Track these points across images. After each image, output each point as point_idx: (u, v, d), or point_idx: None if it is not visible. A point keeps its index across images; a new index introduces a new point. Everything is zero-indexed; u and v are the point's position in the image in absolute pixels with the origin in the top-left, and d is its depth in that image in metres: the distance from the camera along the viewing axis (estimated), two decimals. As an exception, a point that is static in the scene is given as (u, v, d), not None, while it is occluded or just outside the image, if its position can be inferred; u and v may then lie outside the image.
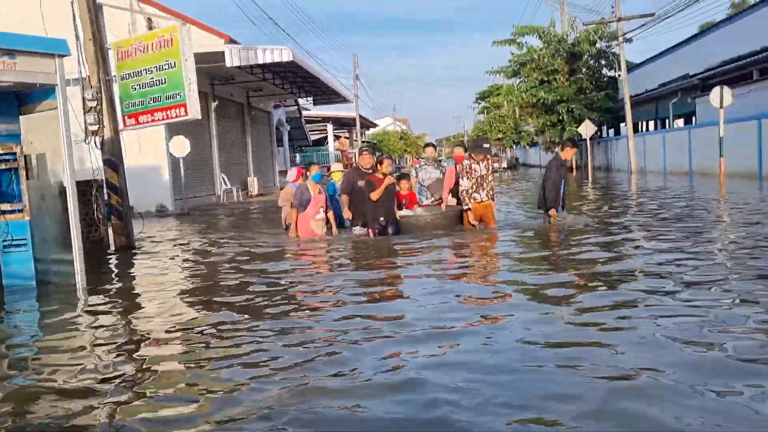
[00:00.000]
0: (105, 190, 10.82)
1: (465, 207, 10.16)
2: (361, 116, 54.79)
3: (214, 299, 6.41)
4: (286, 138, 40.81)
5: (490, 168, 10.49)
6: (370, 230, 9.86)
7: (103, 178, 10.78)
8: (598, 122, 34.79)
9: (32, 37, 6.95)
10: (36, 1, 10.54)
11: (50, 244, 7.60)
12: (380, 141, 74.11)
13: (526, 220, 12.35)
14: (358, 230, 10.21)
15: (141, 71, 10.64)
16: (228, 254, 9.76)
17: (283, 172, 36.20)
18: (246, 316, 5.52)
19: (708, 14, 66.47)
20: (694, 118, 29.51)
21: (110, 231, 10.98)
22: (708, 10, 73.93)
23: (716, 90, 19.30)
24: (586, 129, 30.94)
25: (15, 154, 7.35)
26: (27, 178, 7.43)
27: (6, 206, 7.39)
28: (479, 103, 63.46)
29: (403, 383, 3.62)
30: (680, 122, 33.32)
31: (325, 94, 31.60)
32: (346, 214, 10.43)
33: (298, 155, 48.92)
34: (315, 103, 36.68)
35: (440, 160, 12.42)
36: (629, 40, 31.86)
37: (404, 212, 10.35)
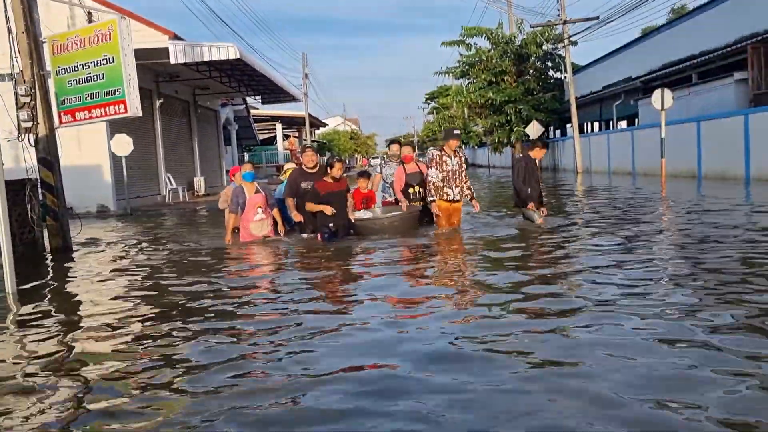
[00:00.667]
0: (40, 190, 10.37)
1: (430, 199, 9.53)
2: (310, 115, 54.32)
3: (149, 304, 6.18)
4: (234, 137, 40.24)
5: (463, 164, 9.80)
6: (318, 236, 9.25)
7: (38, 177, 10.32)
8: (545, 123, 35.26)
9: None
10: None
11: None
12: (330, 140, 73.80)
13: (493, 220, 11.85)
14: (306, 236, 9.67)
15: (78, 66, 10.22)
16: (166, 258, 9.41)
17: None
18: (177, 318, 5.35)
19: (649, 19, 68.38)
20: (636, 120, 30.21)
21: (45, 232, 10.50)
22: (649, 15, 75.77)
23: (657, 92, 19.72)
24: (534, 129, 31.35)
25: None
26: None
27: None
28: (429, 104, 63.79)
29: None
30: (623, 124, 34.08)
31: (274, 92, 31.25)
32: (295, 218, 9.66)
33: (246, 154, 48.23)
34: (263, 102, 36.31)
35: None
36: (575, 43, 32.42)
37: (360, 214, 9.75)
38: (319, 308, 5.57)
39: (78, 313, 6.21)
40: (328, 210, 8.97)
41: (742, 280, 5.47)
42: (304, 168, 9.91)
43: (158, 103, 23.85)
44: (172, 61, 19.21)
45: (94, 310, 6.20)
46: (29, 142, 10.27)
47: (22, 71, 10.12)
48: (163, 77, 23.87)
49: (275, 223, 9.74)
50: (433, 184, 9.40)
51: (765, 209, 11.21)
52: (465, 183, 9.64)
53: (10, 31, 10.06)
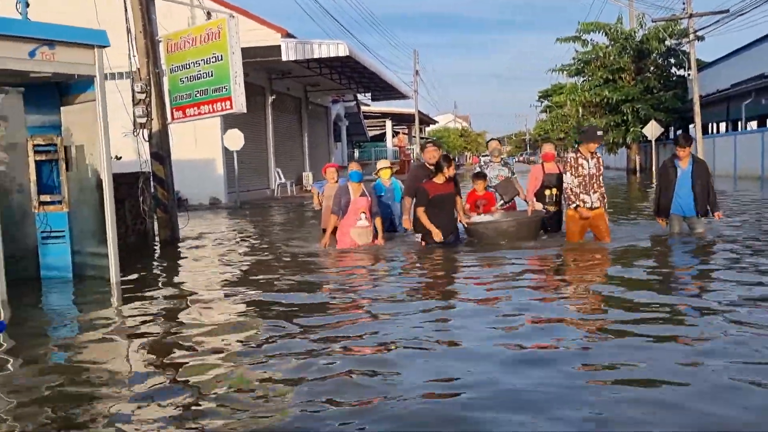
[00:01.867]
0: (152, 183, 10.80)
1: (572, 205, 8.21)
2: (420, 112, 54.30)
3: (248, 298, 6.20)
4: (344, 133, 40.85)
5: (601, 167, 8.37)
6: (422, 240, 8.33)
7: (150, 171, 10.75)
8: (665, 123, 33.40)
9: (71, 27, 6.83)
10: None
11: (87, 236, 7.53)
12: (440, 138, 73.50)
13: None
14: (417, 237, 8.58)
15: (189, 64, 10.61)
16: (268, 255, 9.37)
17: (341, 168, 36.19)
18: (275, 315, 5.36)
19: (788, 11, 62.96)
20: (768, 121, 28.11)
21: (155, 223, 10.93)
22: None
23: (794, 91, 18.18)
24: (652, 130, 29.73)
25: (55, 145, 7.32)
26: (66, 170, 7.39)
27: (46, 197, 7.37)
28: (541, 102, 62.00)
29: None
30: (753, 124, 31.68)
31: (384, 90, 31.44)
32: (405, 224, 8.78)
33: (356, 150, 48.89)
34: (373, 99, 36.65)
35: (505, 158, 10.63)
36: (701, 38, 30.43)
37: (476, 218, 8.75)
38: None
39: (175, 303, 6.31)
40: (438, 236, 8.06)
41: None
42: (427, 165, 8.92)
43: (270, 99, 24.50)
44: (284, 58, 19.65)
45: (192, 298, 6.31)
46: (144, 137, 10.72)
47: (138, 69, 10.58)
48: (276, 74, 24.44)
49: (376, 233, 8.65)
50: (571, 189, 8.13)
51: None
52: (601, 188, 8.28)
53: (129, 31, 10.52)
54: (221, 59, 10.11)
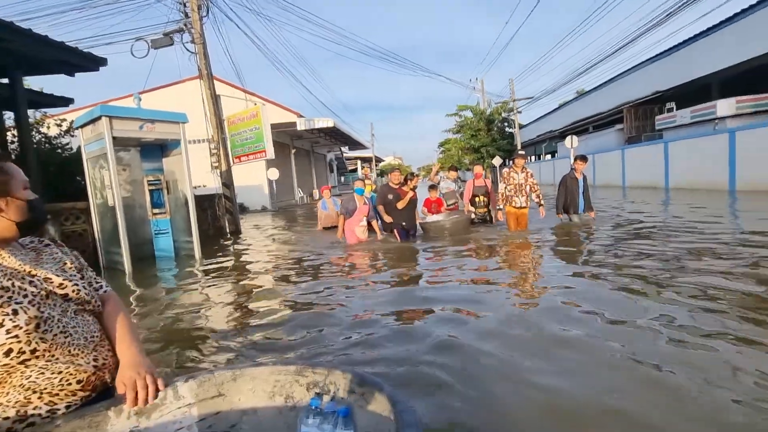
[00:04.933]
0: (223, 200, 10.23)
1: (498, 208, 7.04)
2: (375, 156, 53.87)
3: (281, 261, 5.77)
4: (335, 168, 40.10)
5: (529, 178, 6.80)
6: (396, 233, 6.80)
7: (222, 193, 10.17)
8: (503, 158, 33.73)
9: (165, 111, 6.30)
10: (183, 97, 9.91)
11: (181, 232, 7.01)
12: (385, 169, 72.75)
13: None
14: (387, 234, 6.99)
15: (241, 132, 10.07)
16: (297, 241, 7.90)
17: (333, 188, 35.51)
18: (299, 282, 4.53)
19: (563, 96, 65.15)
20: (556, 154, 28.50)
21: (226, 222, 10.36)
22: (564, 94, 71.89)
23: (569, 138, 18.35)
24: (497, 161, 29.99)
25: (160, 180, 6.77)
26: (168, 194, 6.85)
27: (156, 210, 6.82)
28: (440, 147, 62.14)
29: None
30: (548, 157, 32.20)
31: (355, 144, 30.84)
32: (386, 218, 6.93)
33: (342, 177, 48.07)
34: (350, 150, 35.96)
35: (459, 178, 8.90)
36: (520, 112, 30.79)
37: (428, 219, 7.37)
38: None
39: (242, 268, 5.84)
40: (387, 219, 6.69)
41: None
42: (391, 183, 7.17)
43: (293, 151, 23.73)
44: (299, 129, 19.00)
45: (251, 267, 5.81)
46: (218, 174, 10.13)
47: (212, 136, 9.97)
48: (295, 137, 23.71)
49: (372, 229, 7.11)
50: (502, 194, 6.85)
51: (635, 203, 9.98)
52: (535, 192, 6.77)
53: (206, 115, 9.91)
54: (258, 129, 9.61)
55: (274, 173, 18.79)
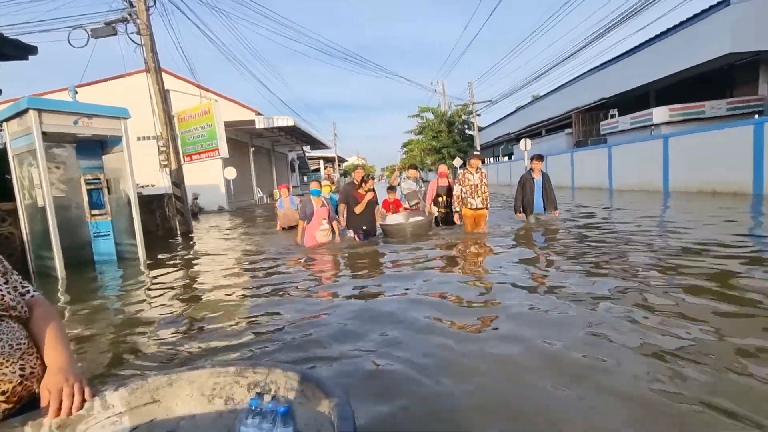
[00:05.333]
0: (173, 200, 9.74)
1: (455, 210, 6.59)
2: (338, 156, 53.50)
3: (227, 260, 5.54)
4: (297, 168, 39.37)
5: (483, 179, 6.47)
6: (355, 235, 6.52)
7: (172, 193, 9.69)
8: (463, 159, 34.58)
9: (102, 106, 5.89)
10: (131, 92, 9.35)
11: (124, 234, 6.59)
12: (349, 168, 72.42)
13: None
14: (350, 233, 6.64)
15: (192, 129, 9.61)
16: (252, 243, 7.63)
17: (295, 187, 34.93)
18: (251, 281, 4.58)
19: (519, 100, 68.06)
20: (512, 156, 29.56)
21: (177, 223, 9.87)
22: (520, 98, 74.97)
23: (523, 141, 19.13)
24: (456, 162, 30.68)
25: (100, 179, 6.34)
26: (108, 193, 6.42)
27: (96, 211, 6.38)
28: (403, 148, 62.76)
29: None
30: (505, 159, 33.38)
31: (317, 144, 30.42)
32: (341, 222, 6.70)
33: (305, 177, 47.29)
34: (312, 149, 35.48)
35: (420, 178, 8.46)
36: (479, 114, 31.72)
37: (387, 219, 7.05)
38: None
39: (189, 271, 5.59)
40: (370, 196, 6.46)
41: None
42: (355, 182, 6.84)
43: (252, 150, 23.06)
44: (257, 127, 18.49)
45: (198, 269, 5.57)
46: (167, 172, 9.65)
47: (161, 133, 9.48)
48: (254, 135, 23.05)
49: (334, 232, 6.50)
50: (459, 196, 6.52)
51: (584, 204, 10.58)
52: (485, 194, 6.44)
53: (154, 110, 9.40)
54: (211, 126, 9.22)
55: (231, 172, 18.16)
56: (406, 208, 7.71)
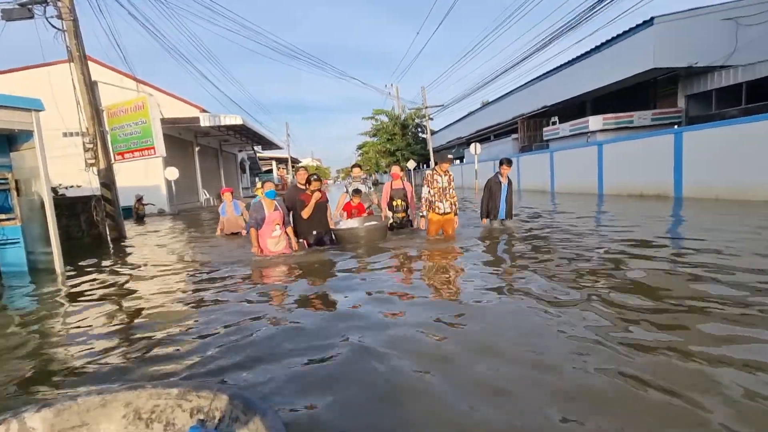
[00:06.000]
0: (102, 202, 8.86)
1: (421, 215, 6.14)
2: (291, 157, 52.22)
3: (157, 270, 5.05)
4: (247, 169, 37.87)
5: (451, 183, 6.00)
6: (305, 242, 5.85)
7: (101, 194, 8.81)
8: (416, 161, 35.07)
9: (11, 96, 5.17)
10: (51, 78, 8.37)
11: (38, 241, 5.82)
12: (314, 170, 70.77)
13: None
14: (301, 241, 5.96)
15: (124, 125, 8.79)
16: (192, 249, 7.06)
17: (245, 189, 33.53)
18: (190, 290, 4.23)
19: (470, 105, 70.53)
20: (463, 159, 30.40)
21: (106, 228, 8.98)
22: (471, 104, 77.71)
23: (473, 145, 19.68)
24: (410, 165, 31.01)
25: (7, 179, 5.56)
26: (18, 196, 5.64)
27: (2, 216, 5.58)
28: (358, 150, 62.67)
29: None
30: (457, 162, 34.27)
31: (269, 144, 29.43)
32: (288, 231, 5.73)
33: (257, 179, 45.58)
34: (263, 149, 34.27)
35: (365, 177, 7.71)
36: (432, 118, 32.26)
37: (341, 224, 6.47)
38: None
39: (117, 282, 5.01)
40: (318, 196, 5.86)
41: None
42: (298, 185, 6.08)
43: (197, 149, 21.79)
44: (202, 125, 17.52)
45: (129, 279, 5.00)
46: (94, 172, 8.76)
47: (87, 128, 8.59)
48: (199, 134, 21.80)
49: (289, 239, 5.63)
50: (426, 200, 5.97)
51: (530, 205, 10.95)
52: (453, 198, 5.96)
53: (78, 103, 8.49)
54: (145, 122, 8.49)
55: (173, 173, 16.99)
56: (370, 213, 7.00)
